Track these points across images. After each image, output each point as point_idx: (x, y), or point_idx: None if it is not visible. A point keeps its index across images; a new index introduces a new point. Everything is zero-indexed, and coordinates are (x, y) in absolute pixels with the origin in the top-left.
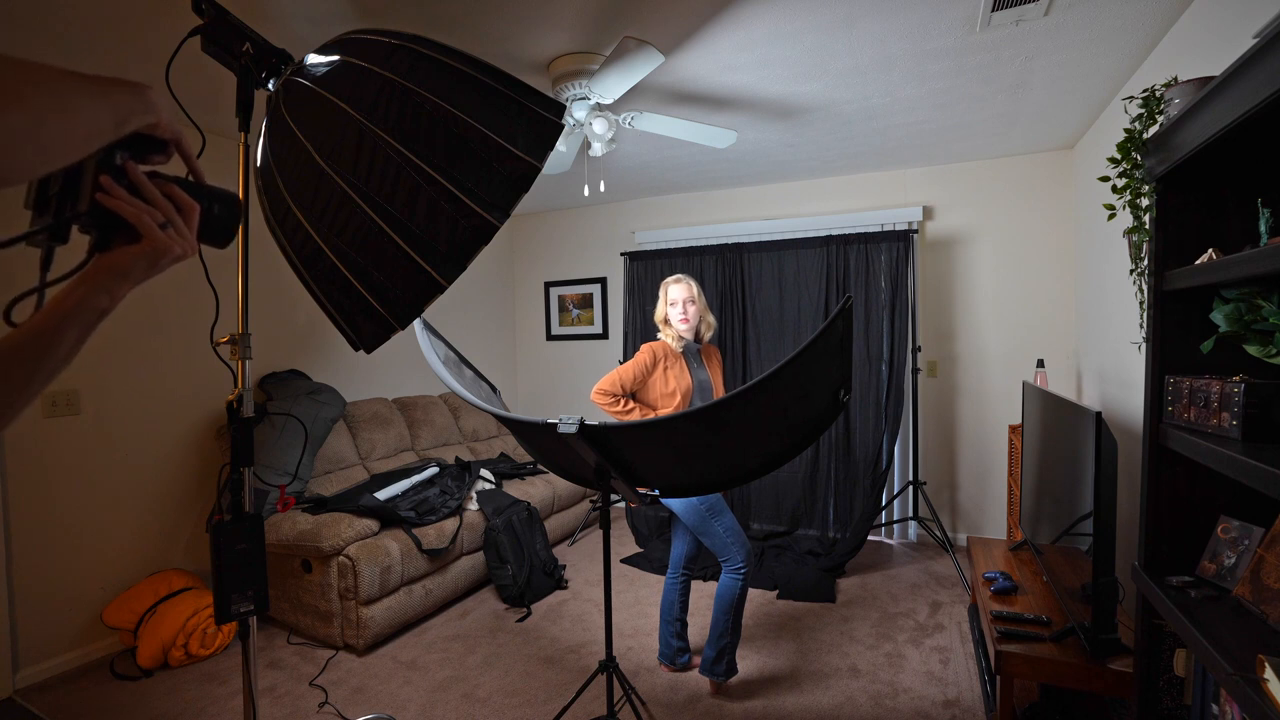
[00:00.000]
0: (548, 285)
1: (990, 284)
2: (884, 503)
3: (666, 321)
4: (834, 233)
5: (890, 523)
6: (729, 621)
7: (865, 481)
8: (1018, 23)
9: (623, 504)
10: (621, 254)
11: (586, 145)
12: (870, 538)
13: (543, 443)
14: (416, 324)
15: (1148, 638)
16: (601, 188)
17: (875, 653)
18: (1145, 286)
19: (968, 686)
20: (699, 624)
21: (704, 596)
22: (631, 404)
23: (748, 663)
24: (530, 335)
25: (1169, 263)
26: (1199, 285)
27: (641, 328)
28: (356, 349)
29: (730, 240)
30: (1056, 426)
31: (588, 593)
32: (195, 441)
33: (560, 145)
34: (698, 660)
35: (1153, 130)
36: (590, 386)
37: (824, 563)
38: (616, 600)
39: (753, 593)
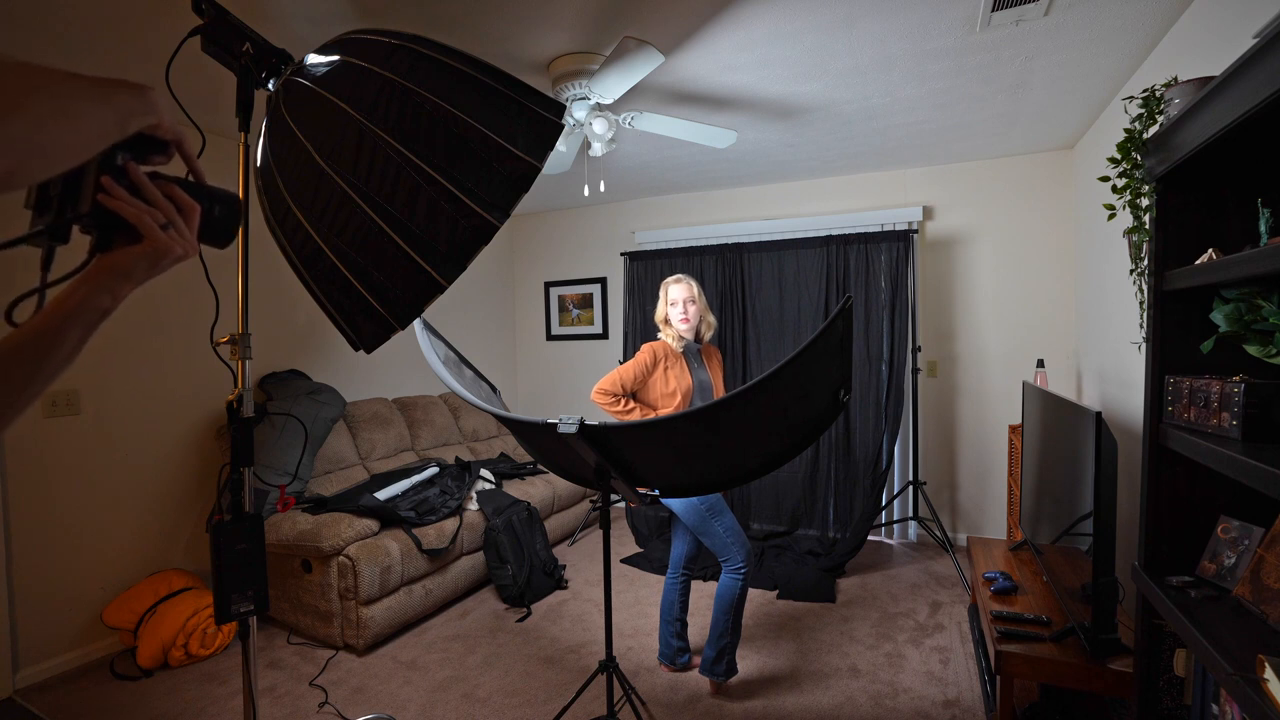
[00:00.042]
0: (548, 285)
1: (990, 284)
2: (884, 503)
3: (667, 321)
4: (834, 233)
5: (890, 523)
6: (729, 621)
7: (865, 481)
8: (1018, 23)
9: (623, 504)
10: (621, 254)
11: (586, 145)
12: (870, 538)
13: (543, 443)
14: (416, 324)
15: (1148, 638)
16: (601, 188)
17: (875, 653)
18: (1145, 286)
19: (968, 686)
20: (699, 624)
21: (704, 596)
22: (632, 404)
23: (748, 663)
24: (530, 335)
25: (1169, 263)
26: (1199, 285)
27: (641, 328)
28: (356, 349)
29: (730, 240)
30: (1056, 426)
31: (588, 593)
32: (195, 441)
33: (560, 145)
34: (698, 660)
35: (1153, 130)
36: (590, 386)
37: (824, 563)
38: (616, 600)
39: (753, 593)
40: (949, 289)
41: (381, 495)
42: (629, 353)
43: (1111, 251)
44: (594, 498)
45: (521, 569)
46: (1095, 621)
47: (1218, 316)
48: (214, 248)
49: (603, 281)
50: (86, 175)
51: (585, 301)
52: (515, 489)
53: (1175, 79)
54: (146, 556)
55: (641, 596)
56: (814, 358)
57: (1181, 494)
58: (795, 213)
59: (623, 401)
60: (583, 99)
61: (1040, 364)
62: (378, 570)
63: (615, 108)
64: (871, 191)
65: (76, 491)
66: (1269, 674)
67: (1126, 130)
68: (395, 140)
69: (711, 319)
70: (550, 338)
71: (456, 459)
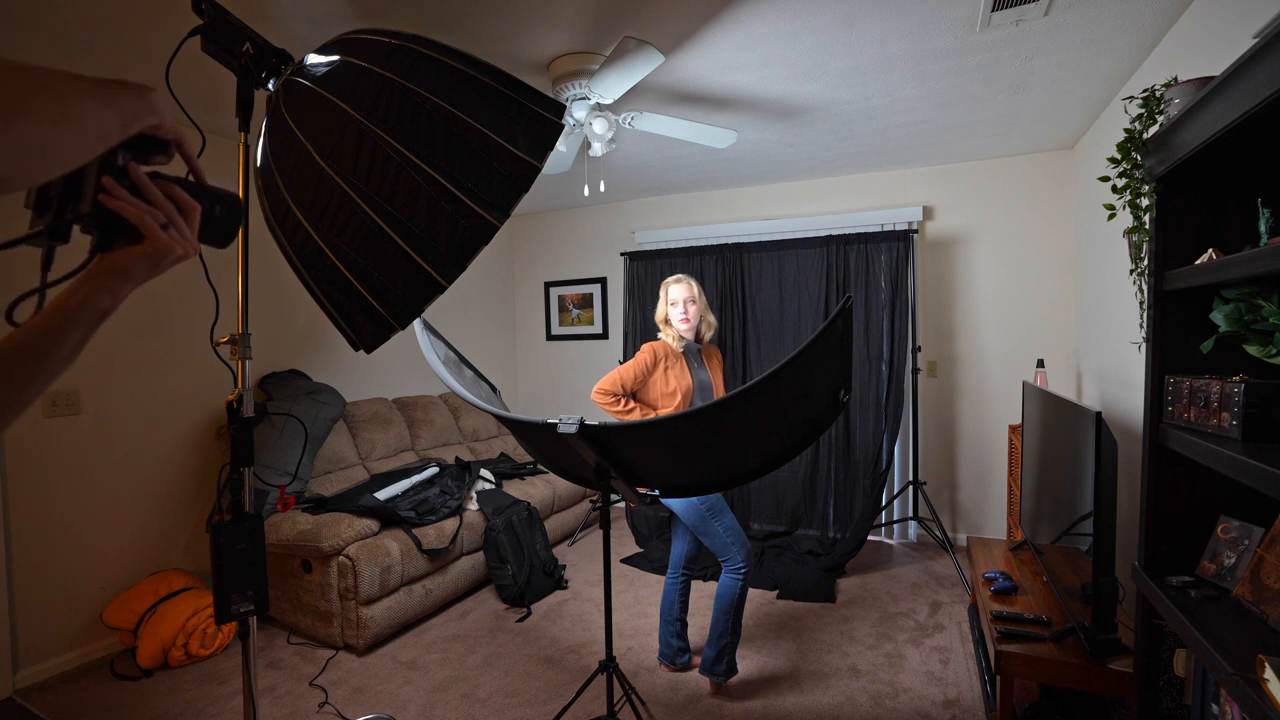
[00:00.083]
0: (548, 285)
1: (990, 284)
2: (884, 503)
3: (667, 321)
4: (834, 233)
5: (890, 523)
6: (729, 621)
7: (865, 481)
8: (1018, 23)
9: (623, 504)
10: (621, 254)
11: (586, 145)
12: (870, 538)
13: (543, 443)
14: (416, 324)
15: (1148, 638)
16: (601, 188)
17: (875, 653)
18: (1145, 286)
19: (968, 686)
20: (699, 624)
21: (704, 596)
22: (632, 404)
23: (748, 663)
24: (530, 335)
25: (1169, 263)
26: (1199, 285)
27: (641, 328)
28: (356, 349)
29: (730, 240)
30: (1056, 426)
31: (588, 593)
32: (195, 441)
33: (560, 145)
34: (698, 660)
35: (1153, 130)
36: (590, 386)
37: (824, 563)
38: (616, 600)
39: (753, 593)
40: (949, 289)
41: (381, 495)
42: (629, 353)
43: (1111, 251)
44: (594, 498)
45: (521, 569)
46: (1095, 621)
47: (1218, 316)
48: (214, 248)
49: (603, 281)
50: (87, 175)
51: (585, 301)
52: (515, 489)
53: (1175, 79)
54: (146, 556)
55: (641, 596)
56: (814, 358)
57: (1181, 494)
58: (795, 213)
59: (623, 401)
60: (583, 99)
61: (1040, 364)
62: (378, 570)
63: (615, 108)
64: (871, 191)
65: (76, 491)
66: (1269, 674)
67: (1126, 130)
68: (395, 140)
69: (711, 319)
70: (550, 338)
71: (456, 459)
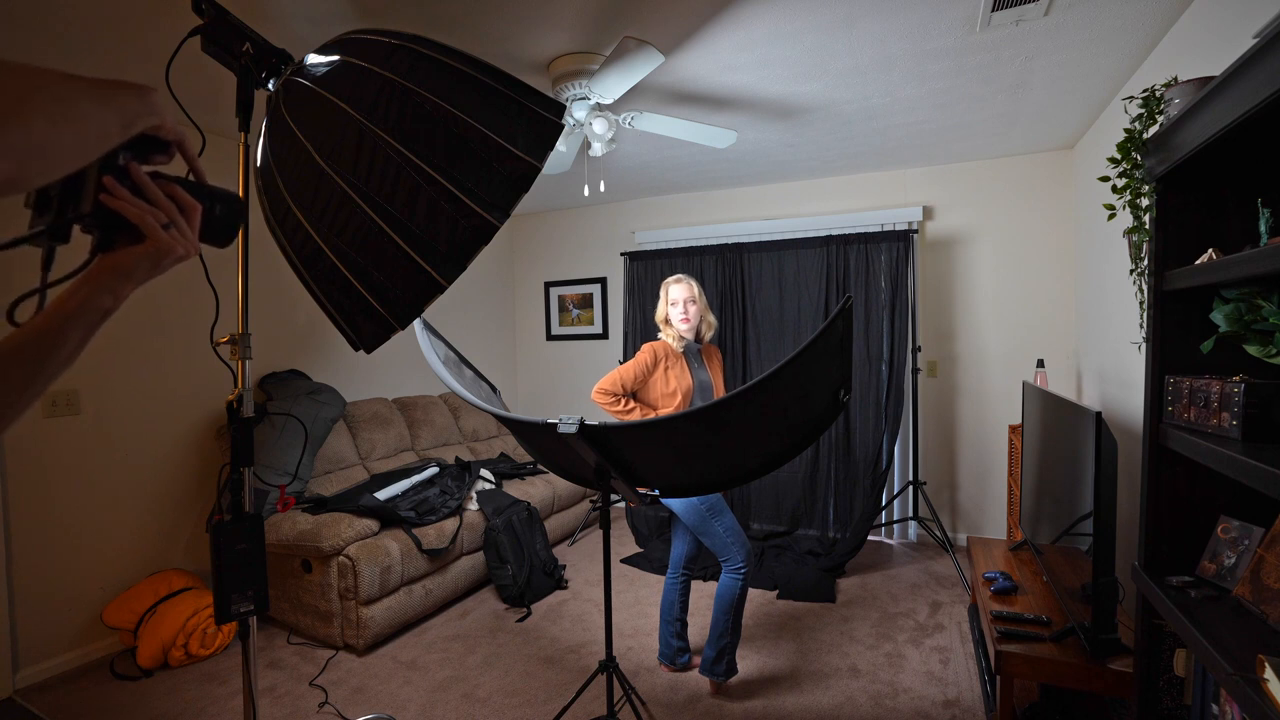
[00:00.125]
0: (548, 285)
1: (990, 284)
2: (884, 503)
3: (667, 321)
4: (834, 233)
5: (890, 523)
6: (729, 621)
7: (865, 481)
8: (1018, 23)
9: (623, 504)
10: (621, 254)
11: (586, 145)
12: (870, 538)
13: (543, 443)
14: (416, 324)
15: (1148, 638)
16: (601, 188)
17: (875, 653)
18: (1145, 286)
19: (968, 686)
20: (699, 624)
21: (704, 596)
22: (632, 404)
23: (748, 663)
24: (530, 335)
25: (1169, 263)
26: (1199, 285)
27: (641, 328)
28: (356, 349)
29: (730, 240)
30: (1056, 426)
31: (588, 593)
32: (195, 441)
33: (560, 145)
34: (698, 660)
35: (1153, 130)
36: (590, 386)
37: (824, 563)
38: (616, 600)
39: (753, 593)
40: (949, 289)
41: (381, 495)
42: (629, 353)
43: (1111, 251)
44: (594, 498)
45: (521, 569)
46: (1095, 621)
47: (1218, 316)
48: (215, 247)
49: (603, 281)
50: (88, 175)
51: (585, 301)
52: (515, 489)
53: (1175, 79)
54: (146, 556)
55: (641, 596)
56: (814, 358)
57: (1181, 494)
58: (795, 213)
59: (623, 401)
60: (583, 99)
61: (1040, 364)
62: (378, 570)
63: (615, 108)
64: (871, 191)
65: (76, 491)
66: (1269, 674)
67: (1126, 130)
68: (395, 140)
69: (712, 319)
70: (550, 338)
71: (456, 459)
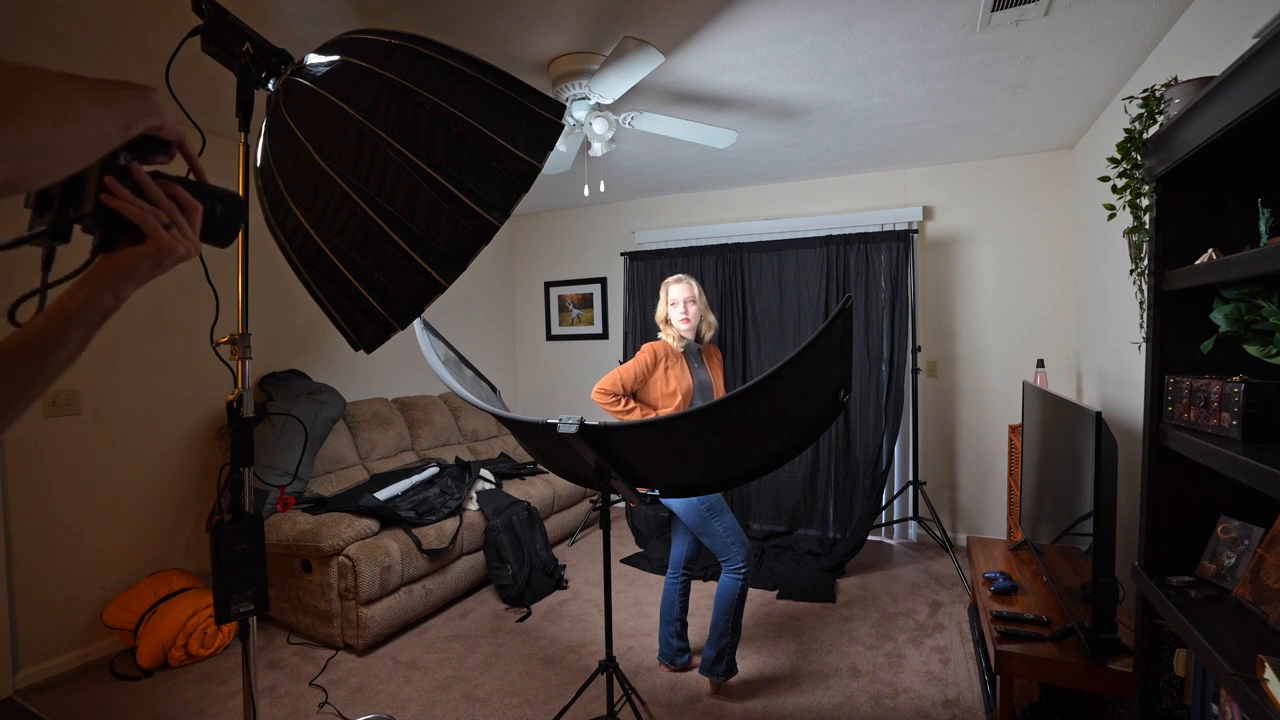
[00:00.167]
0: (548, 285)
1: (990, 284)
2: (884, 503)
3: (667, 321)
4: (834, 233)
5: (890, 523)
6: (729, 621)
7: (865, 481)
8: (1018, 23)
9: (623, 504)
10: (621, 254)
11: (586, 145)
12: (870, 538)
13: (543, 443)
14: (416, 324)
15: (1148, 638)
16: (601, 188)
17: (875, 653)
18: (1145, 286)
19: (968, 686)
20: (699, 624)
21: (704, 596)
22: (632, 404)
23: (748, 663)
24: (530, 335)
25: (1169, 263)
26: (1199, 285)
27: (641, 328)
28: (356, 349)
29: (730, 240)
30: (1056, 426)
31: (588, 593)
32: (195, 441)
33: (560, 145)
34: (698, 660)
35: (1153, 130)
36: (590, 386)
37: (824, 563)
38: (616, 600)
39: (753, 593)
40: (949, 289)
41: (381, 495)
42: (629, 353)
43: (1111, 251)
44: (594, 498)
45: (521, 569)
46: (1095, 621)
47: (1218, 316)
48: (216, 247)
49: (603, 281)
50: (89, 175)
51: (585, 301)
52: (515, 489)
53: (1175, 79)
54: (146, 556)
55: (641, 596)
56: (814, 358)
57: (1181, 494)
58: (795, 213)
59: (623, 401)
60: (583, 99)
61: (1040, 364)
62: (378, 570)
63: (615, 108)
64: (871, 191)
65: (76, 491)
66: (1269, 674)
67: (1126, 130)
68: (395, 140)
69: (712, 319)
70: (550, 338)
71: (456, 459)
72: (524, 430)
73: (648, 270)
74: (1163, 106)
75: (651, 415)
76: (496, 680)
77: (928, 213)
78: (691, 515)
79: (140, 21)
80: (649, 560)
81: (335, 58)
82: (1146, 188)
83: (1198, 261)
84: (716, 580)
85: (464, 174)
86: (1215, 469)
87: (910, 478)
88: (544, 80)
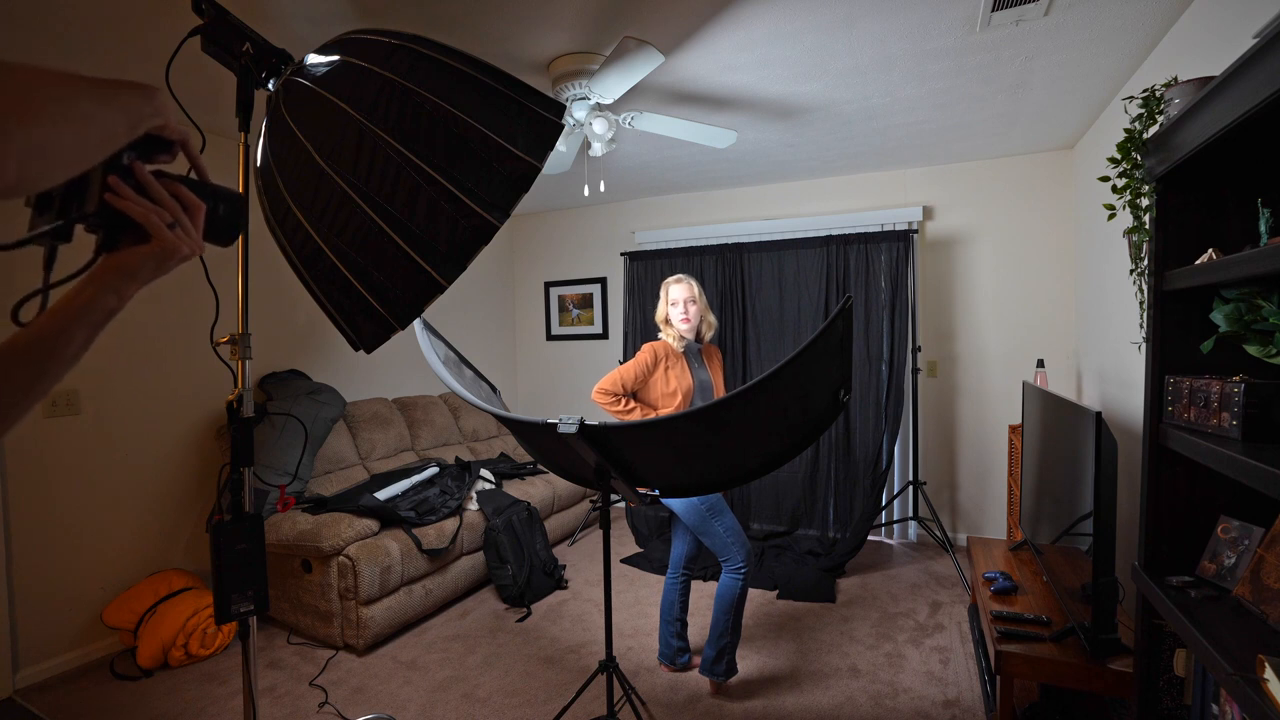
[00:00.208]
0: (548, 285)
1: (990, 284)
2: (884, 503)
3: (667, 321)
4: (834, 233)
5: (890, 523)
6: (729, 621)
7: (865, 481)
8: (1018, 23)
9: (623, 504)
10: (621, 254)
11: (586, 145)
12: (870, 538)
13: (543, 443)
14: (416, 324)
15: (1148, 638)
16: (601, 188)
17: (875, 653)
18: (1145, 286)
19: (968, 686)
20: (699, 624)
21: (704, 596)
22: (632, 404)
23: (748, 663)
24: (530, 335)
25: (1169, 263)
26: (1199, 285)
27: (641, 328)
28: (356, 349)
29: (730, 240)
30: (1056, 426)
31: (588, 593)
32: (195, 441)
33: (560, 145)
34: (698, 660)
35: (1153, 130)
36: (590, 386)
37: (824, 563)
38: (616, 600)
39: (753, 593)
40: (949, 289)
41: (381, 495)
42: (629, 353)
43: (1111, 251)
44: (594, 498)
45: (521, 569)
46: (1095, 621)
47: (1218, 316)
48: (218, 246)
49: (603, 281)
50: (93, 175)
51: (585, 301)
52: (515, 489)
53: (1175, 79)
54: (146, 556)
55: (641, 596)
56: (814, 358)
57: (1181, 494)
58: (795, 213)
59: (623, 401)
60: (583, 99)
61: (1040, 364)
62: (378, 570)
63: (615, 108)
64: (871, 191)
65: (76, 491)
66: (1269, 674)
67: (1126, 130)
68: (395, 140)
69: (712, 319)
70: (550, 338)
71: (456, 459)
72: (524, 430)
73: (648, 270)
74: (1163, 106)
75: (651, 415)
76: (496, 680)
77: (928, 213)
78: (691, 515)
79: (140, 21)
80: (649, 560)
81: (335, 58)
82: (1146, 188)
83: (1198, 261)
84: (716, 580)
85: (464, 174)
86: (1215, 469)
87: (910, 478)
88: (544, 80)
